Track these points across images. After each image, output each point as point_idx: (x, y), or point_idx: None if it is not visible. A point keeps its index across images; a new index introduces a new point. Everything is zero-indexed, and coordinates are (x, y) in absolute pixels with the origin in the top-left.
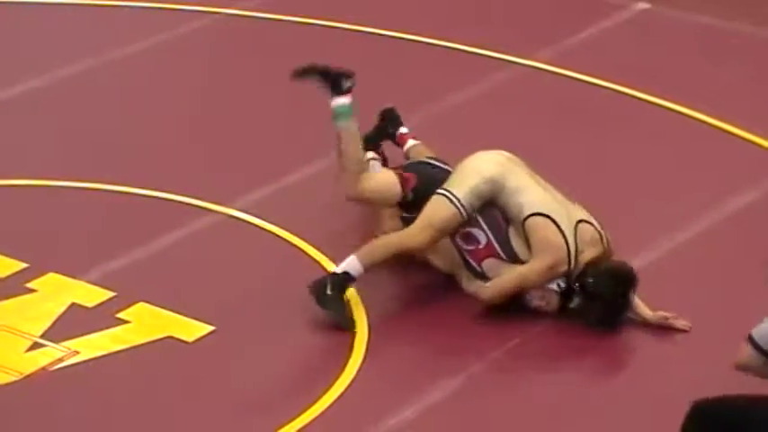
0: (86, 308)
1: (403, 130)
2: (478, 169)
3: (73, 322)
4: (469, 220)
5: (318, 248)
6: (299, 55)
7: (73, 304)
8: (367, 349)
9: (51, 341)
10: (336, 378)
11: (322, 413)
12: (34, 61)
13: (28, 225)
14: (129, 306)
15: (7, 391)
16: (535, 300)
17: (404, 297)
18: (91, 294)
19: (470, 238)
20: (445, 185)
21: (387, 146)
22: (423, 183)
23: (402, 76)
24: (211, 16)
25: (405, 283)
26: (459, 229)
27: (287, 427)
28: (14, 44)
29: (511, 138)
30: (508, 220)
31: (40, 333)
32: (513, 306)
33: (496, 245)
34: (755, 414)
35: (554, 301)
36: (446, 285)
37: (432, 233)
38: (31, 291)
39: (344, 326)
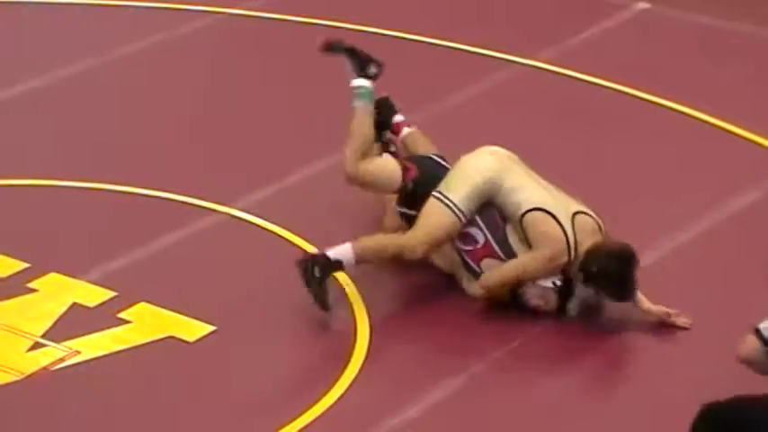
0: (88, 308)
1: (398, 118)
2: (475, 172)
3: (74, 322)
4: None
5: (320, 249)
6: (302, 55)
7: (74, 304)
8: (368, 349)
9: (52, 341)
10: (338, 378)
11: (323, 413)
12: (34, 61)
13: (29, 225)
14: (130, 306)
15: (8, 391)
16: (534, 299)
17: (405, 296)
18: (92, 294)
19: (468, 238)
20: (442, 187)
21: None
22: (424, 176)
23: (404, 76)
24: (214, 16)
25: (406, 282)
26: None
27: (288, 427)
28: (14, 44)
29: (512, 138)
30: (506, 218)
31: (42, 333)
32: (514, 306)
33: (495, 244)
34: (766, 415)
35: (552, 300)
36: (447, 285)
37: (431, 244)
38: (33, 291)
39: (322, 308)
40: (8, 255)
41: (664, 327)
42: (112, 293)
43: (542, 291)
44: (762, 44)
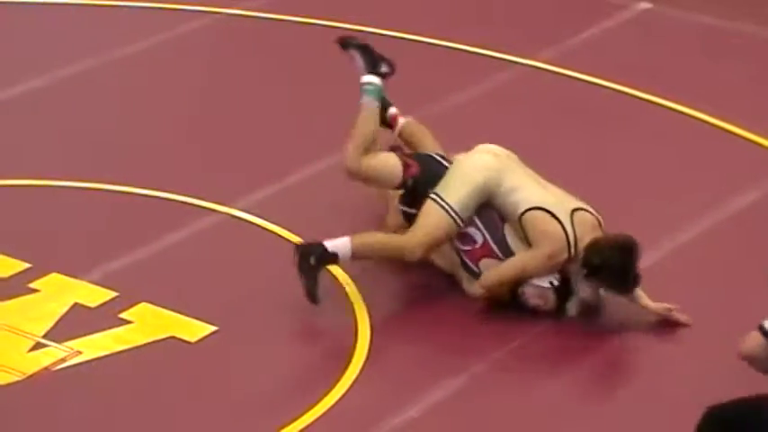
0: (89, 308)
1: (392, 110)
2: (472, 174)
3: (75, 322)
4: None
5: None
6: (302, 55)
7: (75, 304)
8: (369, 349)
9: (54, 341)
10: (339, 378)
11: (325, 413)
12: (34, 61)
13: (30, 225)
14: (131, 306)
15: (10, 391)
16: (532, 299)
17: (406, 296)
18: (93, 294)
19: (467, 239)
20: (439, 189)
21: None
22: (425, 174)
23: (404, 76)
24: (213, 16)
25: (407, 282)
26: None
27: (289, 427)
28: (15, 44)
29: (512, 138)
30: (504, 218)
31: (43, 333)
32: (514, 306)
33: (493, 244)
34: None
35: (551, 300)
36: (448, 285)
37: (429, 246)
38: (34, 291)
39: (310, 299)
40: (9, 255)
41: (664, 327)
42: (114, 294)
43: (541, 290)
44: (763, 44)
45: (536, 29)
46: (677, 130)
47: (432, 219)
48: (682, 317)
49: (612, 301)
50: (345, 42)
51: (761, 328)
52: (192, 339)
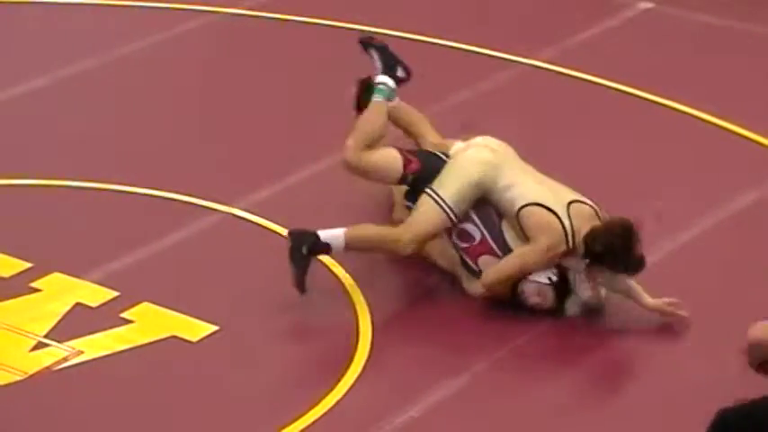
0: (90, 307)
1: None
2: (469, 169)
3: (77, 322)
4: (464, 217)
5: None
6: (302, 55)
7: (77, 304)
8: (371, 348)
9: (55, 341)
10: (341, 377)
11: (326, 413)
12: (35, 61)
13: (32, 225)
14: (133, 306)
15: (11, 391)
16: (531, 296)
17: (407, 296)
18: (95, 294)
19: (465, 235)
20: (435, 184)
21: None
22: (426, 171)
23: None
24: (213, 16)
25: (408, 281)
26: (453, 227)
27: (291, 427)
28: (15, 44)
29: (513, 137)
30: (502, 215)
31: (45, 333)
32: (514, 305)
33: (491, 241)
34: None
35: (550, 297)
36: (449, 284)
37: (420, 240)
38: (35, 290)
39: (298, 289)
40: (11, 254)
41: (664, 326)
42: (115, 293)
43: (539, 287)
44: (765, 44)
45: (537, 28)
46: (678, 130)
47: (425, 213)
48: (681, 312)
49: (613, 301)
50: (366, 42)
51: None
52: (194, 339)
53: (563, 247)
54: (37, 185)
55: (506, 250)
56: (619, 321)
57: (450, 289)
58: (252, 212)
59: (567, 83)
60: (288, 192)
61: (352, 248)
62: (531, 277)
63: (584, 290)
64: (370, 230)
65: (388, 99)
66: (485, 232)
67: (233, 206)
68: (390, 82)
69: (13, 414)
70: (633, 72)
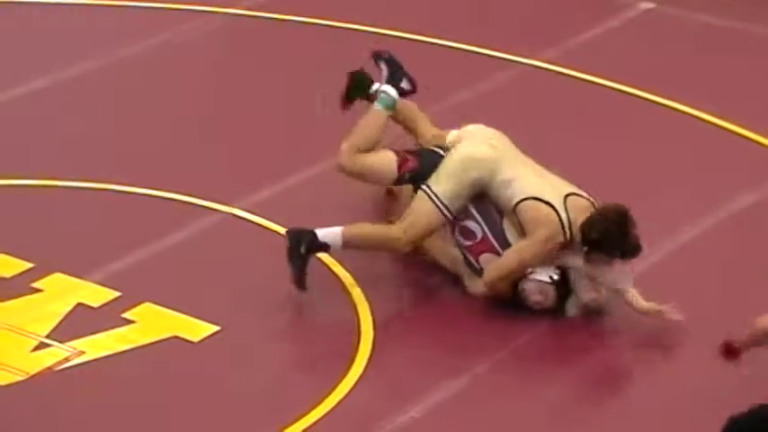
0: (92, 308)
1: (375, 87)
2: (466, 165)
3: (78, 322)
4: (464, 213)
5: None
6: (303, 55)
7: (78, 304)
8: (372, 348)
9: (57, 341)
10: (342, 377)
11: (327, 413)
12: (35, 62)
13: (33, 225)
14: (134, 306)
15: (13, 391)
16: (532, 295)
17: (409, 296)
18: (96, 294)
19: (467, 233)
20: (432, 180)
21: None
22: (423, 168)
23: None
24: (213, 16)
25: (410, 281)
26: (455, 224)
27: (293, 427)
28: (16, 44)
29: (515, 137)
30: (500, 210)
31: (46, 333)
32: (515, 305)
33: (492, 238)
34: None
35: (551, 295)
36: (451, 284)
37: (416, 236)
38: (37, 291)
39: (298, 287)
40: (13, 255)
41: (664, 327)
42: (116, 293)
43: (541, 286)
44: (766, 44)
45: (539, 28)
46: (679, 130)
47: (420, 211)
48: (675, 315)
49: (613, 302)
50: (378, 56)
51: None
52: (195, 339)
53: (560, 238)
54: (38, 186)
55: (508, 248)
56: (618, 322)
57: (451, 288)
58: (252, 212)
59: (568, 83)
60: (288, 192)
61: (350, 247)
62: (533, 276)
63: (584, 292)
64: (368, 229)
65: (388, 108)
66: (486, 229)
67: (233, 206)
68: (392, 92)
69: (15, 414)
70: (634, 72)
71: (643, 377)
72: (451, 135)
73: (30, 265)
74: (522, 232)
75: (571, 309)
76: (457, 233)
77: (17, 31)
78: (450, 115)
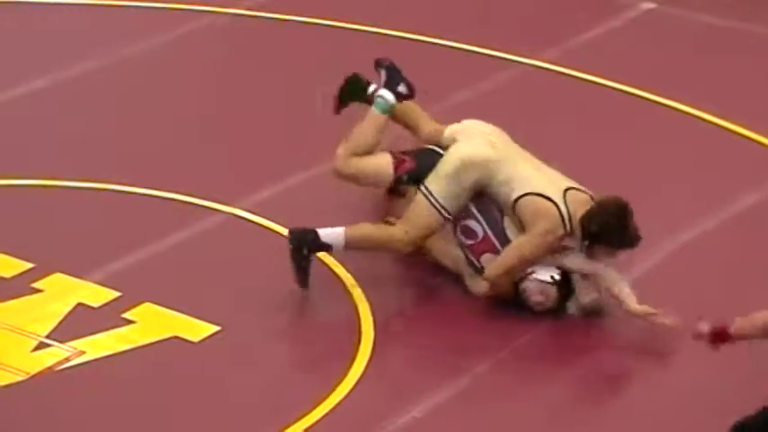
0: (92, 308)
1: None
2: (464, 170)
3: (79, 322)
4: (465, 213)
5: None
6: (303, 55)
7: (79, 304)
8: (373, 348)
9: (57, 341)
10: (343, 377)
11: (328, 413)
12: (36, 62)
13: (34, 225)
14: (134, 306)
15: (13, 391)
16: (533, 295)
17: (410, 296)
18: (96, 294)
19: (468, 232)
20: (429, 180)
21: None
22: (421, 168)
23: (407, 76)
24: (213, 16)
25: (410, 282)
26: (457, 223)
27: (293, 427)
28: (16, 45)
29: (515, 137)
30: (501, 208)
31: (46, 333)
32: (517, 305)
33: (493, 237)
34: None
35: (552, 295)
36: (451, 284)
37: (416, 237)
38: (37, 291)
39: (301, 285)
40: (13, 255)
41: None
42: (117, 293)
43: (542, 286)
44: (766, 44)
45: (540, 28)
46: (680, 130)
47: (419, 212)
48: (666, 320)
49: (613, 302)
50: (379, 63)
51: None
52: (195, 339)
53: (561, 231)
54: (38, 186)
55: None
56: (619, 322)
57: (452, 288)
58: (253, 212)
59: (569, 83)
60: (289, 192)
61: (352, 247)
62: (534, 276)
63: (585, 293)
64: (369, 229)
65: (385, 112)
66: (486, 229)
67: (234, 206)
68: (389, 95)
69: (15, 414)
70: (635, 72)
71: (643, 377)
72: (448, 130)
73: (30, 265)
74: (522, 229)
75: (572, 308)
76: (458, 232)
77: (17, 31)
78: (450, 115)
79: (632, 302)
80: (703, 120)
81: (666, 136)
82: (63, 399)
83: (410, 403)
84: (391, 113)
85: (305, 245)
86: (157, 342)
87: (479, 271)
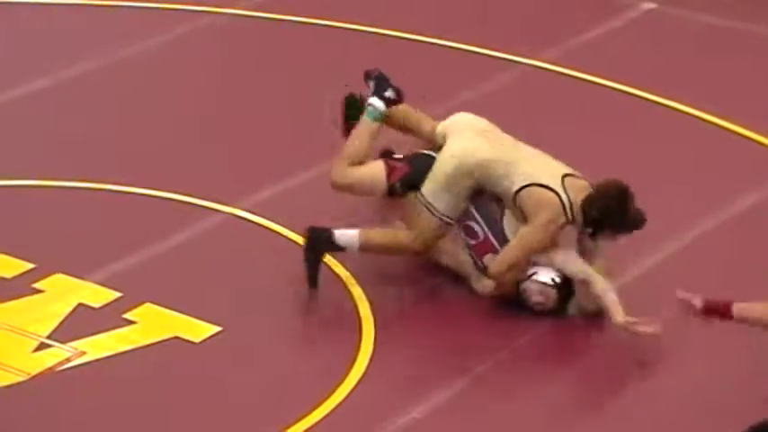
0: (93, 308)
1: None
2: (461, 177)
3: (79, 323)
4: (465, 215)
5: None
6: (303, 55)
7: (79, 305)
8: (374, 348)
9: (58, 341)
10: (344, 378)
11: (329, 413)
12: (36, 62)
13: (35, 226)
14: (135, 306)
15: (14, 392)
16: (534, 295)
17: (411, 296)
18: (97, 295)
19: (471, 232)
20: (426, 188)
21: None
22: (415, 172)
23: (407, 77)
24: (213, 16)
25: (411, 281)
26: (459, 224)
27: (294, 427)
28: (17, 45)
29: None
30: (501, 206)
31: (47, 333)
32: (517, 305)
33: (492, 238)
34: None
35: (552, 297)
36: (452, 284)
37: (429, 243)
38: (38, 291)
39: (311, 284)
40: (14, 255)
41: (665, 327)
42: (118, 294)
43: (543, 287)
44: (767, 44)
45: (540, 29)
46: (681, 130)
47: (425, 225)
48: (648, 328)
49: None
50: (367, 76)
51: None
52: (196, 339)
53: (563, 219)
54: (39, 186)
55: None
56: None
57: (453, 288)
58: (253, 213)
59: (570, 83)
60: (289, 192)
61: (366, 250)
62: (535, 277)
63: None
64: (381, 235)
65: (375, 120)
66: (486, 230)
67: (234, 206)
68: (378, 103)
69: (16, 415)
70: (635, 72)
71: (643, 378)
72: (440, 127)
73: (31, 265)
74: (524, 220)
75: (572, 308)
76: (462, 233)
77: (17, 31)
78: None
79: (617, 314)
80: (703, 120)
81: (667, 136)
82: (64, 399)
83: (410, 403)
84: (382, 120)
85: (320, 244)
86: (158, 342)
87: (483, 271)
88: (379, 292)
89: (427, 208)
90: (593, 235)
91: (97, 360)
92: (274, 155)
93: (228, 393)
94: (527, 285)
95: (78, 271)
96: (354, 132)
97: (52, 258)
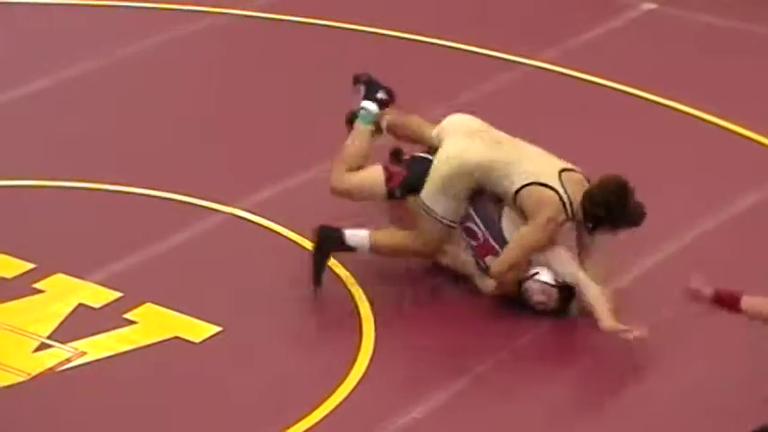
0: (93, 308)
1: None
2: (459, 180)
3: (80, 323)
4: (465, 217)
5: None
6: (303, 55)
7: (80, 305)
8: (374, 349)
9: (58, 342)
10: (344, 378)
11: (329, 413)
12: (36, 62)
13: (35, 226)
14: (135, 306)
15: (15, 392)
16: (536, 295)
17: (410, 296)
18: (98, 295)
19: (471, 233)
20: (426, 195)
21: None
22: (413, 176)
23: (407, 77)
24: (213, 16)
25: (412, 282)
26: (460, 225)
27: (294, 427)
28: (17, 45)
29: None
30: (500, 206)
31: (48, 334)
32: (518, 305)
33: (491, 240)
34: None
35: (554, 297)
36: (452, 284)
37: (437, 245)
38: (39, 291)
39: (315, 282)
40: (14, 255)
41: (666, 328)
42: (118, 294)
43: (544, 287)
44: (767, 44)
45: (541, 29)
46: (681, 130)
47: (429, 230)
48: (636, 333)
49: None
50: (356, 79)
51: None
52: (197, 340)
53: (563, 216)
54: (39, 186)
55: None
56: (620, 322)
57: (453, 288)
58: (253, 213)
59: (570, 83)
60: (289, 192)
61: (376, 252)
62: (537, 277)
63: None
64: (393, 238)
65: (370, 123)
66: (485, 232)
67: (234, 206)
68: (371, 106)
69: (16, 415)
70: (635, 72)
71: (643, 378)
72: (435, 130)
73: (31, 265)
74: (524, 219)
75: (574, 309)
76: (463, 234)
77: (17, 32)
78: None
79: (607, 320)
80: (703, 120)
81: (667, 136)
82: (64, 399)
83: (410, 403)
84: (376, 122)
85: (330, 244)
86: (158, 342)
87: (485, 271)
88: (379, 292)
89: (426, 212)
90: (592, 230)
91: (97, 360)
92: (274, 155)
93: (228, 393)
94: (529, 285)
95: (79, 271)
96: (350, 137)
97: (52, 258)
